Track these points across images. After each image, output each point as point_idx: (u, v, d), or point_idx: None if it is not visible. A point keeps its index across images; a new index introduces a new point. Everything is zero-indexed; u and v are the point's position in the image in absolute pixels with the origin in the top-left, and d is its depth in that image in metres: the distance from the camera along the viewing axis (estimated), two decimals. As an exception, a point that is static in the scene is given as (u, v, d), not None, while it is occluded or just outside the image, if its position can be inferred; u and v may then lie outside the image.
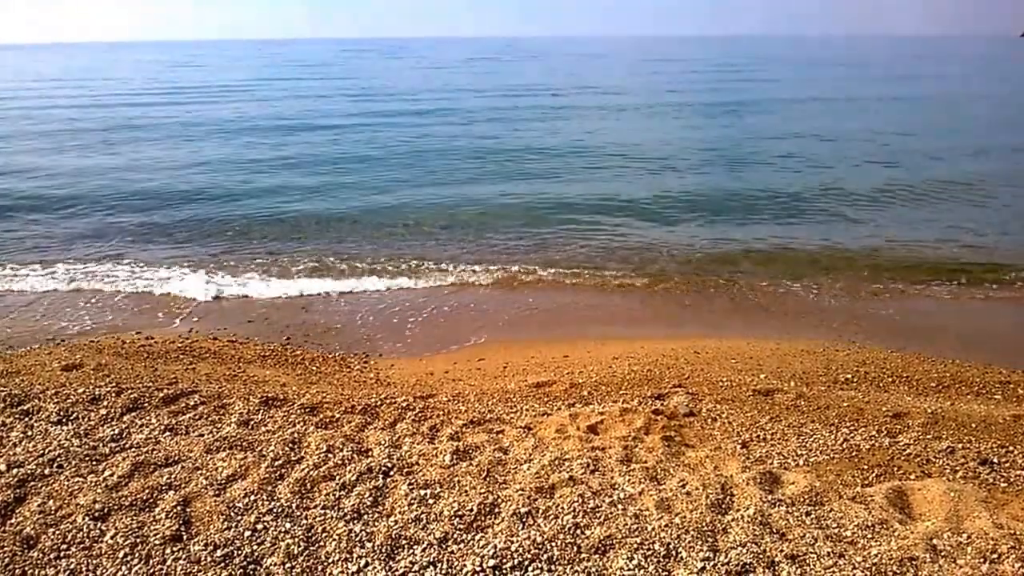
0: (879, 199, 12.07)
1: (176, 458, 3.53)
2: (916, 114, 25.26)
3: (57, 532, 2.90)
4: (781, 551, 2.86)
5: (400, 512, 3.12)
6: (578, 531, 2.98)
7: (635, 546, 2.88)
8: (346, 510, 3.12)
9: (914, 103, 28.72)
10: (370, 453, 3.68)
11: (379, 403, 4.46)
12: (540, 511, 3.12)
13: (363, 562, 2.80)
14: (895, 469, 3.77)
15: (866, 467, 3.78)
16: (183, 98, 32.58)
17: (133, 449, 3.62)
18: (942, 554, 2.87)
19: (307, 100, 30.86)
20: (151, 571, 2.71)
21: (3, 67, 71.98)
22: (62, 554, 2.78)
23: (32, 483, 3.26)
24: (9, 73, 59.50)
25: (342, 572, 2.74)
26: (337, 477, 3.39)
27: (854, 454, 3.92)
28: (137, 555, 2.79)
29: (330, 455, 3.61)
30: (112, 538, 2.87)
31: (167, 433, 3.85)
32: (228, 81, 44.57)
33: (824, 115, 24.49)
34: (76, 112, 26.53)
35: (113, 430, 3.83)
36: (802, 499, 3.26)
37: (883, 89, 35.09)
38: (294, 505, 3.15)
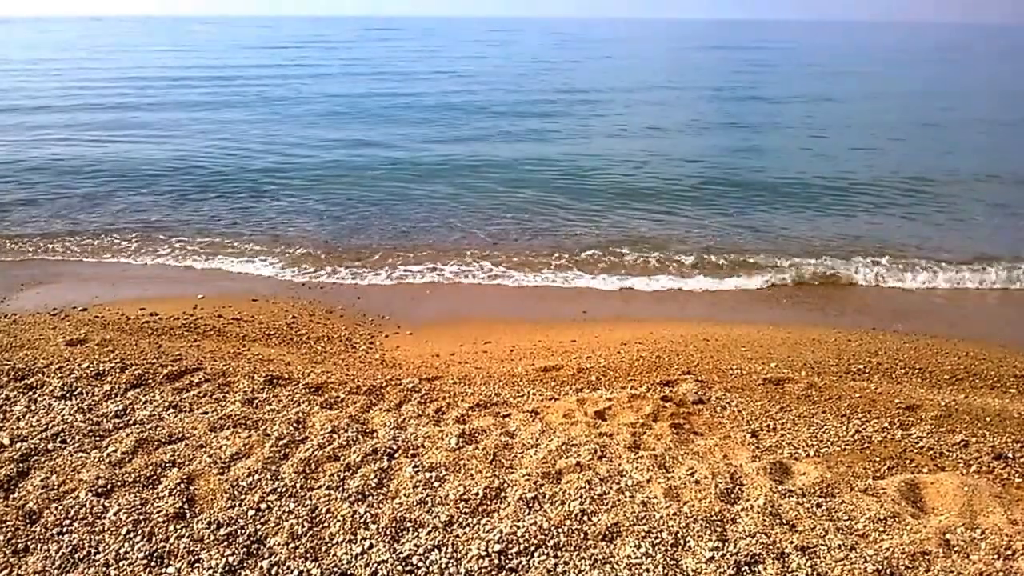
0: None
1: (180, 435, 3.51)
2: None
3: (60, 507, 2.88)
4: (791, 542, 2.81)
5: (405, 494, 3.09)
6: (585, 518, 2.94)
7: (643, 534, 2.84)
8: (351, 491, 3.09)
9: None
10: (375, 434, 3.65)
11: (384, 384, 4.41)
12: (547, 496, 3.08)
13: (367, 544, 2.77)
14: (908, 462, 3.71)
15: (878, 459, 3.72)
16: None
17: (137, 425, 3.60)
18: (955, 549, 2.82)
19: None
20: (154, 548, 2.69)
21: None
22: (64, 529, 2.76)
23: (35, 457, 3.24)
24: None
25: (346, 553, 2.71)
26: (342, 458, 3.36)
27: (866, 446, 3.86)
28: (140, 532, 2.77)
29: (335, 435, 3.57)
30: (115, 514, 2.85)
31: (171, 410, 3.82)
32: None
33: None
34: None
35: (117, 406, 3.80)
36: (813, 490, 3.21)
37: None
38: (298, 485, 3.12)
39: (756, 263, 8.15)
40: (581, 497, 3.07)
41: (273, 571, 2.62)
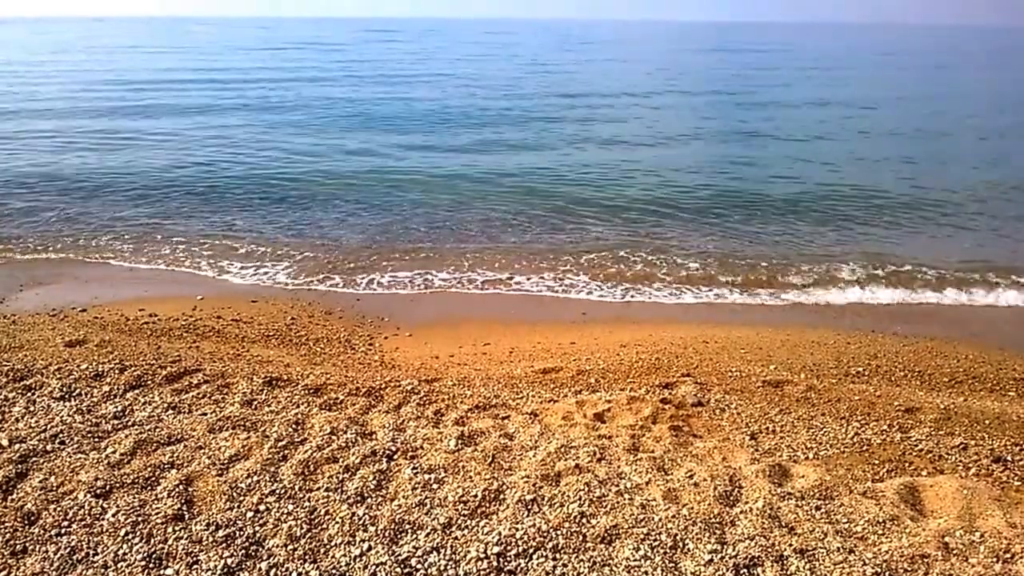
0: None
1: (179, 437, 3.50)
2: None
3: (58, 509, 2.87)
4: (790, 545, 2.81)
5: (404, 496, 3.08)
6: (584, 520, 2.94)
7: (641, 536, 2.84)
8: (349, 493, 3.09)
9: None
10: (374, 436, 3.65)
11: (384, 386, 4.41)
12: (545, 499, 3.08)
13: (366, 546, 2.76)
14: (907, 465, 3.71)
15: (877, 462, 3.72)
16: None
17: (136, 427, 3.59)
18: (954, 552, 2.82)
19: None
20: (152, 550, 2.68)
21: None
22: (63, 531, 2.76)
23: (34, 459, 3.23)
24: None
25: (345, 555, 2.71)
26: (340, 459, 3.36)
27: (865, 448, 3.86)
28: (138, 533, 2.76)
29: (334, 437, 3.57)
30: (113, 516, 2.84)
31: (170, 411, 3.82)
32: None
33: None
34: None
35: (116, 407, 3.80)
36: (812, 493, 3.21)
37: None
38: (297, 487, 3.12)
39: (758, 276, 8.11)
40: (580, 499, 3.07)
41: (272, 573, 2.62)
